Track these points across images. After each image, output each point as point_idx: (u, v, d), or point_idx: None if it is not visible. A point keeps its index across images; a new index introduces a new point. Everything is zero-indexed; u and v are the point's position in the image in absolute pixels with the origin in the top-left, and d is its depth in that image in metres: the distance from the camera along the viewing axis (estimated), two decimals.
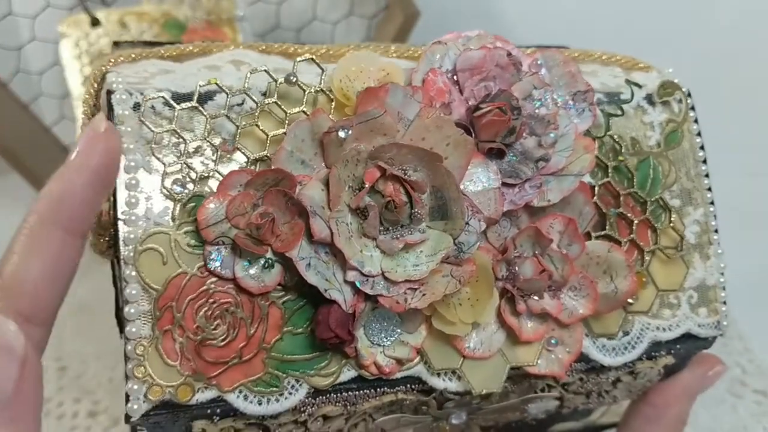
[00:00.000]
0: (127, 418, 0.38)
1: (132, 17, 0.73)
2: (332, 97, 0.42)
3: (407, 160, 0.41)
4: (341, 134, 0.40)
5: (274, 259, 0.39)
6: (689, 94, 0.50)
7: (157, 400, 0.38)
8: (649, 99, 0.49)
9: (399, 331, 0.41)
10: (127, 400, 0.37)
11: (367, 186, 0.40)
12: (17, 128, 0.79)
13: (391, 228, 0.41)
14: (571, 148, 0.44)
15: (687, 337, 0.48)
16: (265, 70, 0.41)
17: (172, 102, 0.39)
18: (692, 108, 0.50)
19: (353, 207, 0.40)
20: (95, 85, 0.42)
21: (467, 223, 0.41)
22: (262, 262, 0.39)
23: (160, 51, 0.45)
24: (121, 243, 0.38)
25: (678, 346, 0.48)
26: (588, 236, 0.45)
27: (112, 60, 0.43)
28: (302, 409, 0.41)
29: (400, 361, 0.41)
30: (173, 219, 0.39)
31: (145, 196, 0.39)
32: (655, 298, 0.47)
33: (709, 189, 0.49)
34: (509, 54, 0.44)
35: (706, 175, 0.49)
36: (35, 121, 0.82)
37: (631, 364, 0.47)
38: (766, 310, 0.81)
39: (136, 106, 0.39)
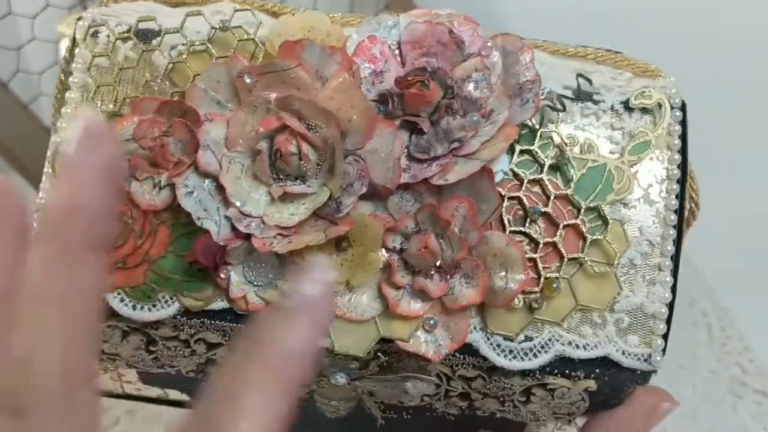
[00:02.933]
0: None
1: None
2: (263, 48, 0.45)
3: (312, 116, 0.42)
4: (247, 80, 0.42)
5: (167, 183, 0.43)
6: (683, 107, 0.46)
7: None
8: (626, 104, 0.45)
9: (274, 275, 0.43)
10: None
11: (261, 131, 0.42)
12: (17, 128, 0.80)
13: (283, 177, 0.42)
14: (490, 134, 0.43)
15: (610, 363, 0.44)
16: (201, 13, 0.45)
17: (111, 32, 0.45)
18: (682, 122, 0.45)
19: (254, 150, 0.43)
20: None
21: (350, 185, 0.42)
22: (154, 182, 0.43)
23: None
24: (49, 146, 0.44)
25: (598, 371, 0.44)
26: (503, 229, 0.44)
27: None
28: (180, 327, 0.45)
29: (267, 303, 0.43)
30: None
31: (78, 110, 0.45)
32: (572, 311, 0.43)
33: (677, 212, 0.44)
34: (451, 31, 0.44)
35: (677, 196, 0.45)
36: (35, 121, 0.82)
37: (539, 375, 0.44)
38: (766, 310, 0.79)
39: (92, 33, 0.45)
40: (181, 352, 0.47)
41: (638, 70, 0.49)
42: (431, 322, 0.43)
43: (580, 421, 0.50)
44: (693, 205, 0.48)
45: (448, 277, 0.43)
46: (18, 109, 0.81)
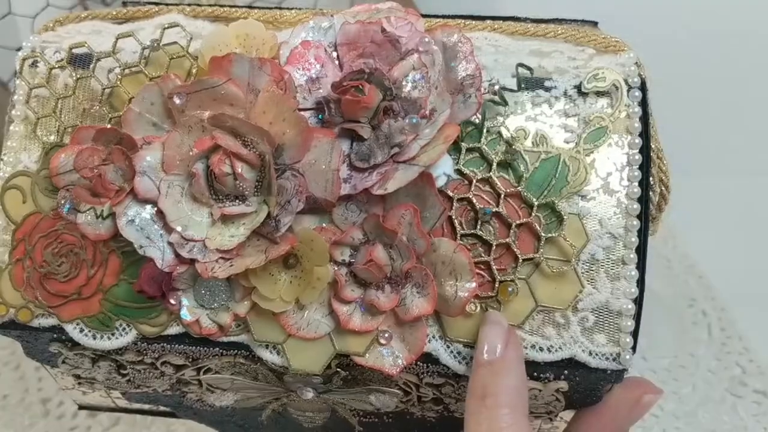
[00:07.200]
0: None
1: None
2: (194, 63, 0.44)
3: (246, 132, 0.41)
4: (176, 101, 0.41)
5: (109, 212, 0.43)
6: (643, 86, 0.43)
7: (4, 317, 0.44)
8: (580, 89, 0.43)
9: (226, 297, 0.43)
10: None
11: (195, 152, 0.41)
12: None
13: (222, 197, 0.42)
14: (430, 137, 0.41)
15: (578, 363, 0.42)
16: (131, 35, 0.44)
17: (47, 62, 0.44)
18: (642, 102, 0.42)
19: (190, 172, 0.42)
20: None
21: (288, 202, 0.41)
22: (96, 212, 0.43)
23: (112, 12, 0.50)
24: None
25: (567, 372, 0.42)
26: (454, 233, 0.42)
27: (60, 20, 0.49)
28: (143, 351, 0.45)
29: (221, 327, 0.43)
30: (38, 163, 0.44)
31: (23, 145, 0.45)
32: (533, 313, 0.42)
33: (640, 200, 0.42)
34: (383, 30, 0.42)
35: (641, 183, 0.42)
36: None
37: None
38: (766, 310, 0.80)
39: (31, 63, 0.45)
40: (152, 374, 0.47)
41: (600, 45, 0.46)
42: (386, 334, 0.42)
43: (569, 414, 0.48)
44: (663, 188, 0.45)
45: (399, 287, 0.41)
46: None
